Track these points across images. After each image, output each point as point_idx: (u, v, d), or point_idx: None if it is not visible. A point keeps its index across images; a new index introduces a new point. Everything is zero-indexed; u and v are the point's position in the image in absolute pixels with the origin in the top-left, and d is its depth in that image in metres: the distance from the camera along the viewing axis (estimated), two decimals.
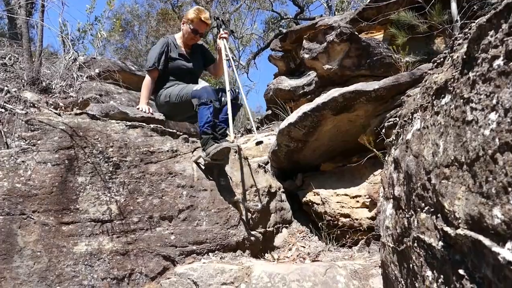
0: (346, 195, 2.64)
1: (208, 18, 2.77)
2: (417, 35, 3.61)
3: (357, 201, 2.57)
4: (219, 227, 2.20)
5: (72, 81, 2.96)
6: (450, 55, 0.96)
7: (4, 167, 1.79)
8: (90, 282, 1.76)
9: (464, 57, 0.78)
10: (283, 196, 2.95)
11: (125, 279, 1.84)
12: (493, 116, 0.63)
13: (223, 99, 2.50)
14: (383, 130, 2.22)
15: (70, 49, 3.38)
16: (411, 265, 1.02)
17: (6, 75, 2.49)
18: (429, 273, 0.90)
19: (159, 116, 2.54)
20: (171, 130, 2.38)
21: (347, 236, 2.50)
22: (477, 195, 0.67)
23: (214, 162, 2.26)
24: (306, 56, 4.34)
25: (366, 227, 2.43)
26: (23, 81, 2.49)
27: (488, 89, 0.66)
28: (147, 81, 2.66)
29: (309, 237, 2.76)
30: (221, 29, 2.83)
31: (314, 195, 2.80)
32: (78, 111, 2.20)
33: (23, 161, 1.84)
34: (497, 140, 0.61)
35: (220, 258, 2.11)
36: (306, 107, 2.59)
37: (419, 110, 1.07)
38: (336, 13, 9.13)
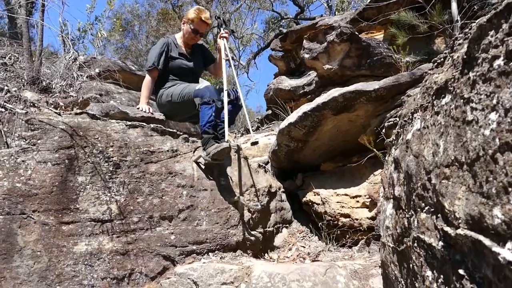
0: (346, 195, 2.64)
1: (209, 18, 2.77)
2: (418, 35, 3.61)
3: (357, 201, 2.57)
4: (219, 227, 2.20)
5: (72, 80, 2.96)
6: (451, 55, 0.96)
7: (4, 167, 1.79)
8: (90, 282, 1.76)
9: (465, 57, 0.78)
10: (283, 196, 2.95)
11: (125, 279, 1.84)
12: (493, 116, 0.63)
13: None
14: (383, 130, 2.21)
15: (70, 49, 3.38)
16: (411, 265, 1.02)
17: (6, 74, 2.49)
18: (429, 273, 0.90)
19: (159, 115, 2.54)
20: (171, 130, 2.38)
21: (347, 236, 2.50)
22: (477, 195, 0.67)
23: (214, 161, 2.26)
24: (307, 56, 4.34)
25: (366, 227, 2.43)
26: (23, 80, 2.49)
27: (489, 89, 0.66)
28: (147, 80, 2.66)
29: (309, 237, 2.76)
30: (221, 29, 2.83)
31: (314, 195, 2.80)
32: (78, 111, 2.20)
33: (23, 161, 1.84)
34: (497, 140, 0.61)
35: (220, 258, 2.11)
36: (306, 107, 2.59)
37: (419, 110, 1.07)
38: (336, 13, 9.13)
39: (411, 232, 1.01)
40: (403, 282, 1.13)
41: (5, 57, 2.75)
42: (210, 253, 2.11)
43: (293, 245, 2.63)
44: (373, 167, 2.57)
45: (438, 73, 0.98)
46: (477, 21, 0.75)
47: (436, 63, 1.17)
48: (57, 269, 1.72)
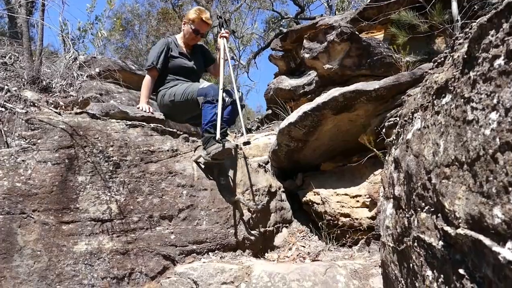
0: (346, 194, 2.64)
1: (209, 18, 2.77)
2: (418, 35, 3.61)
3: (357, 201, 2.57)
4: (219, 227, 2.20)
5: (73, 80, 2.96)
6: (451, 54, 0.96)
7: (4, 166, 1.79)
8: (90, 281, 1.76)
9: (465, 56, 0.78)
10: (283, 196, 2.95)
11: (125, 278, 1.84)
12: (493, 115, 0.63)
13: (227, 99, 2.50)
14: (384, 130, 2.21)
15: (70, 48, 3.38)
16: (411, 265, 1.02)
17: (6, 74, 2.49)
18: (429, 272, 0.90)
19: (159, 115, 2.54)
20: (171, 130, 2.38)
21: (347, 235, 2.50)
22: (477, 194, 0.67)
23: (214, 161, 2.26)
24: (307, 55, 4.34)
25: (366, 227, 2.42)
26: (23, 80, 2.49)
27: (489, 88, 0.66)
28: (147, 80, 2.66)
29: (309, 237, 2.76)
30: (222, 29, 2.82)
31: (314, 194, 2.80)
32: (78, 110, 2.20)
33: (23, 160, 1.84)
34: (497, 139, 0.61)
35: (220, 257, 2.11)
36: (306, 107, 2.59)
37: (420, 110, 1.07)
38: (336, 12, 9.12)
39: (411, 231, 1.01)
40: (403, 281, 1.13)
41: (5, 57, 2.75)
42: (210, 253, 2.11)
43: (293, 244, 2.63)
44: (373, 166, 2.57)
45: (439, 73, 0.98)
46: (477, 20, 0.75)
47: (436, 63, 1.17)
48: (57, 268, 1.72)
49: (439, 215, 0.84)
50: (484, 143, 0.65)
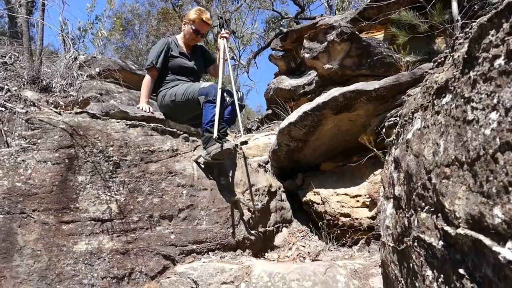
0: (346, 194, 2.64)
1: (209, 18, 2.77)
2: (418, 35, 3.61)
3: (357, 201, 2.57)
4: (219, 226, 2.20)
5: (73, 80, 2.96)
6: (451, 54, 0.96)
7: (4, 166, 1.79)
8: (90, 281, 1.76)
9: (465, 56, 0.78)
10: (283, 196, 2.95)
11: (125, 278, 1.84)
12: (494, 115, 0.63)
13: (227, 99, 2.50)
14: (384, 130, 2.21)
15: (70, 48, 3.38)
16: (411, 265, 1.02)
17: (6, 73, 2.49)
18: (429, 272, 0.90)
19: (159, 115, 2.54)
20: (171, 129, 2.38)
21: (347, 235, 2.50)
22: (477, 194, 0.67)
23: (214, 161, 2.26)
24: (307, 55, 4.34)
25: (366, 227, 2.43)
26: (23, 80, 2.49)
27: (489, 88, 0.66)
28: (146, 80, 2.66)
29: (309, 237, 2.76)
30: (222, 29, 2.82)
31: (314, 194, 2.80)
32: (79, 110, 2.20)
33: (23, 160, 1.84)
34: (497, 139, 0.61)
35: (220, 257, 2.11)
36: (306, 107, 2.59)
37: (420, 110, 1.07)
38: (336, 12, 9.13)
39: (411, 231, 1.01)
40: (403, 281, 1.13)
41: (5, 56, 2.75)
42: (210, 253, 2.11)
43: (293, 244, 2.63)
44: (373, 166, 2.57)
45: (439, 73, 0.98)
46: (477, 20, 0.75)
47: (436, 63, 1.17)
48: (57, 268, 1.72)
49: (439, 215, 0.84)
50: (484, 143, 0.65)
